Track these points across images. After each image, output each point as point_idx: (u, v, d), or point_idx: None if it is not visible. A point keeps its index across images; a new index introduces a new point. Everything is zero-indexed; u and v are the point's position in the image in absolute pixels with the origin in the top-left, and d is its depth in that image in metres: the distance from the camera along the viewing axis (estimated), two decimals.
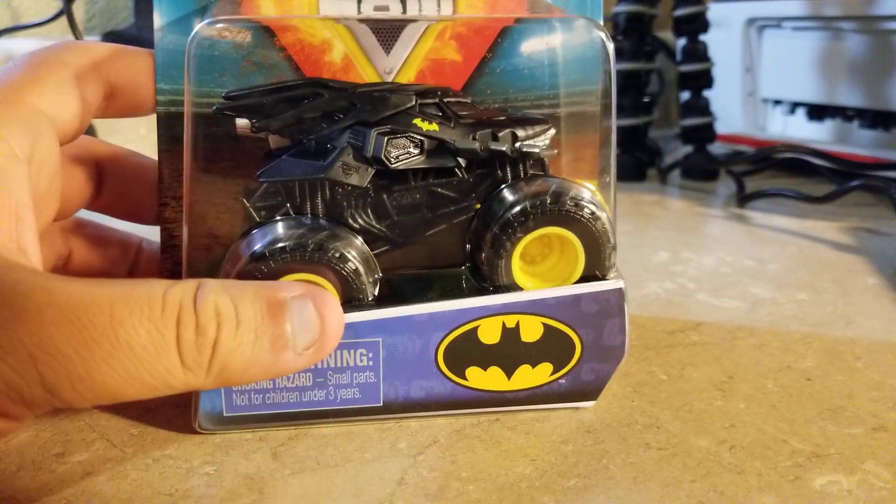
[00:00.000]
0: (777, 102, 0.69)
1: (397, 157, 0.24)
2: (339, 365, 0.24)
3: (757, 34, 0.68)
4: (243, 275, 0.23)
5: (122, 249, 0.29)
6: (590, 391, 0.25)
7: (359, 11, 0.26)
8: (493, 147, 0.24)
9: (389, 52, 0.25)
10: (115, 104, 0.25)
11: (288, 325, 0.20)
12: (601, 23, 0.26)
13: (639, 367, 0.28)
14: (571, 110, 0.25)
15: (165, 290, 0.20)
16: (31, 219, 0.22)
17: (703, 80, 0.58)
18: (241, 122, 0.24)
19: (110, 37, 0.67)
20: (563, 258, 0.25)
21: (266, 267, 0.23)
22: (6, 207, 0.21)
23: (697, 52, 0.58)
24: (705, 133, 0.59)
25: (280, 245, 0.23)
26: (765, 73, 0.69)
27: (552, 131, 0.25)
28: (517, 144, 0.24)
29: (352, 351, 0.24)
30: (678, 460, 0.22)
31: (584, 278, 0.25)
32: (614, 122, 0.25)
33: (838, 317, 0.33)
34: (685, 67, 0.58)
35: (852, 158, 0.55)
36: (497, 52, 0.25)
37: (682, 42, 0.59)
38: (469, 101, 0.25)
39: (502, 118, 0.25)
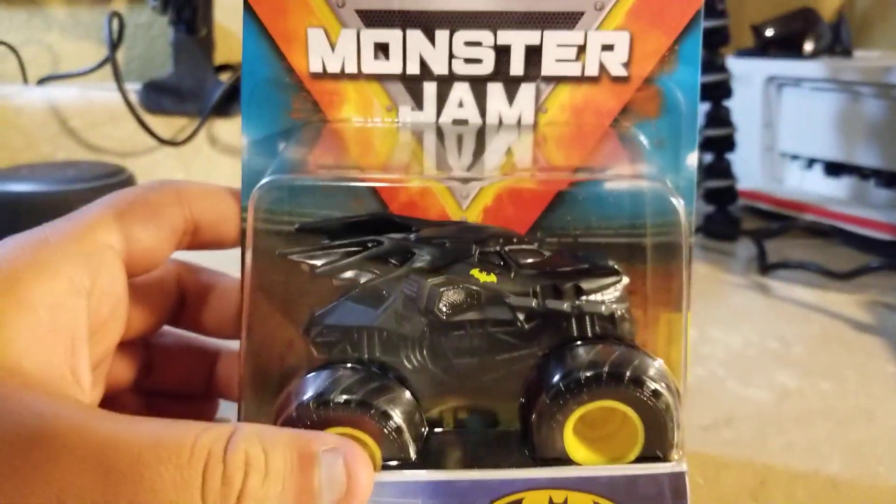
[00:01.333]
0: (795, 157, 0.71)
1: (451, 310, 0.24)
2: None
3: (776, 91, 0.71)
4: (287, 423, 0.23)
5: (201, 357, 0.31)
6: None
7: (439, 139, 0.27)
8: (550, 306, 0.24)
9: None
10: (199, 238, 0.27)
11: (316, 479, 0.21)
12: (695, 149, 0.26)
13: None
14: (659, 240, 0.24)
15: (197, 435, 0.20)
16: (86, 350, 0.23)
17: (726, 143, 0.61)
18: (305, 266, 0.25)
19: (150, 86, 0.70)
20: (622, 431, 0.24)
21: (309, 420, 0.23)
22: (62, 340, 0.23)
23: (721, 118, 0.60)
24: (727, 195, 0.61)
25: (325, 399, 0.23)
26: (783, 128, 0.71)
27: (624, 282, 0.24)
28: (582, 298, 0.24)
29: None
30: None
31: (646, 458, 0.23)
32: (688, 278, 0.24)
33: (861, 412, 0.35)
34: (709, 132, 0.61)
35: (873, 226, 0.57)
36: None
37: (706, 107, 0.61)
38: (535, 246, 0.24)
39: (568, 269, 0.24)
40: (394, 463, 0.24)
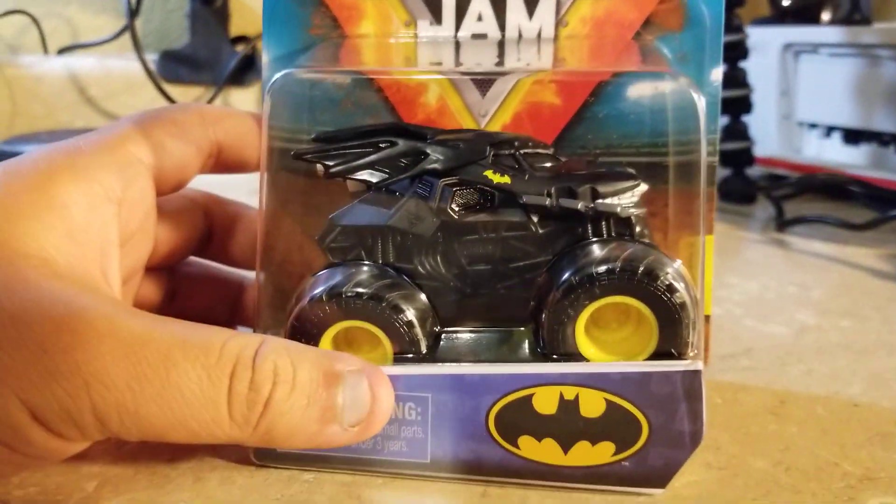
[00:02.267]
0: (813, 126, 0.70)
1: (463, 210, 0.24)
2: None
3: (793, 59, 0.70)
4: (300, 316, 0.24)
5: (226, 286, 0.31)
6: (657, 477, 0.23)
7: (457, 55, 0.27)
8: (564, 204, 0.23)
9: (485, 94, 0.25)
10: (223, 161, 0.27)
11: (340, 398, 0.21)
12: (720, 64, 0.26)
13: None
14: (681, 159, 0.24)
15: (226, 340, 0.20)
16: (116, 253, 0.24)
17: (743, 105, 0.60)
18: (319, 167, 0.25)
19: (167, 56, 0.70)
20: (638, 330, 0.24)
21: (322, 311, 0.23)
22: (94, 242, 0.23)
23: (737, 79, 0.60)
24: (744, 157, 0.60)
25: (337, 291, 0.23)
26: (801, 96, 0.70)
27: (642, 188, 0.24)
28: (596, 201, 0.23)
29: (400, 404, 0.23)
30: (739, 480, 0.24)
31: (660, 355, 0.23)
32: (704, 179, 0.24)
33: (882, 344, 0.34)
34: (725, 93, 0.60)
35: (890, 185, 0.57)
36: (600, 96, 0.24)
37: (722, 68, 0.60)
38: (551, 151, 0.24)
39: (584, 172, 0.24)
40: (405, 358, 0.24)
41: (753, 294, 0.41)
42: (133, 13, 0.68)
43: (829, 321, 0.37)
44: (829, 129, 0.69)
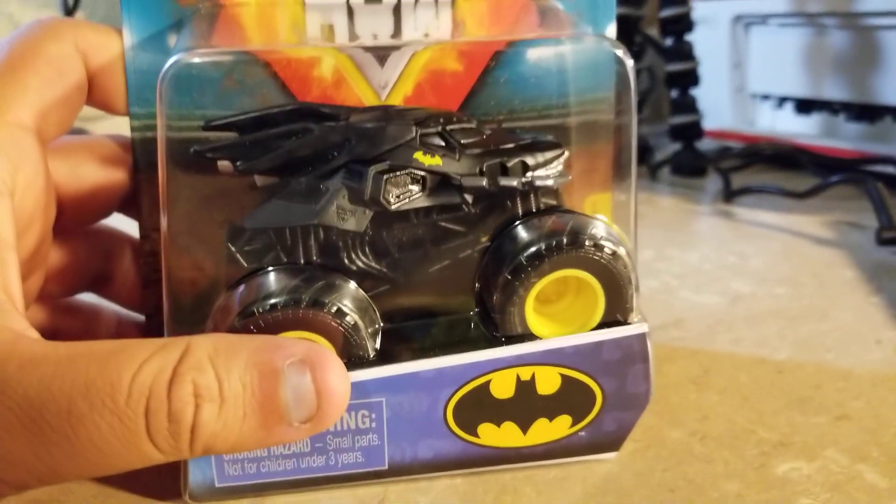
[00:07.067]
0: (765, 97, 0.70)
1: (398, 198, 0.22)
2: (338, 428, 0.22)
3: (744, 31, 0.70)
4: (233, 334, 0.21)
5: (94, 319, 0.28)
6: (611, 442, 0.23)
7: (350, 21, 0.25)
8: (503, 183, 0.22)
9: (384, 64, 0.24)
10: (92, 98, 0.24)
11: (282, 398, 0.18)
12: (613, 20, 0.25)
13: None
14: (583, 119, 0.24)
15: (137, 369, 0.18)
16: (14, 258, 0.20)
17: (690, 78, 0.60)
18: (224, 163, 0.22)
19: None
20: (579, 298, 0.23)
21: (256, 326, 0.21)
22: None
23: (683, 52, 0.59)
24: (693, 130, 0.60)
25: (272, 302, 0.21)
26: (752, 68, 0.70)
27: (565, 155, 0.23)
28: (529, 175, 0.23)
29: (352, 413, 0.22)
30: (652, 451, 0.24)
31: (606, 323, 0.23)
32: (635, 140, 0.24)
33: (813, 310, 0.34)
34: (672, 67, 0.60)
35: (837, 154, 0.57)
36: (501, 60, 0.24)
37: (668, 42, 0.60)
38: (474, 124, 0.23)
39: (511, 145, 0.23)
40: (352, 364, 0.22)
41: (692, 265, 0.41)
42: (70, 8, 0.66)
43: (764, 289, 0.37)
44: (782, 100, 0.69)
